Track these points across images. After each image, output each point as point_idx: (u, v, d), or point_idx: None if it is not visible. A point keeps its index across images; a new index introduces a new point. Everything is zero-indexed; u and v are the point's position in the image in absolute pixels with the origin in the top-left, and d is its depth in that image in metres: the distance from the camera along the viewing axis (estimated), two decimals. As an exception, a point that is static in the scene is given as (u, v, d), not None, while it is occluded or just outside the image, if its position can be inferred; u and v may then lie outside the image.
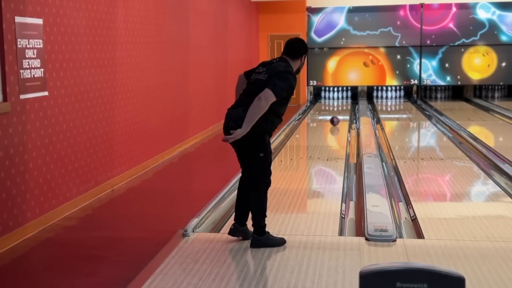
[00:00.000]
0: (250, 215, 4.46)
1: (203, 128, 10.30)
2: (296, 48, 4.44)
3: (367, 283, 2.16)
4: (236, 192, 4.61)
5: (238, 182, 4.57)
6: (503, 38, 15.51)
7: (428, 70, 15.83)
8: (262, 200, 4.36)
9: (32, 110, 4.99)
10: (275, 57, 4.74)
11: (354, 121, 12.24)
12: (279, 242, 4.39)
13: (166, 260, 4.10)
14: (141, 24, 7.47)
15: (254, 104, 4.09)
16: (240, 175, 4.57)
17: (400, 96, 16.61)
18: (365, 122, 11.56)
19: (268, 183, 4.38)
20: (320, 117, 13.11)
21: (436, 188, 6.47)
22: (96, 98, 6.17)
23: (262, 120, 4.16)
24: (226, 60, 11.82)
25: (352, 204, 5.89)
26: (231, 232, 4.47)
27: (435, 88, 16.60)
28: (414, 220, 5.16)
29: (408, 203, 5.71)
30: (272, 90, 4.10)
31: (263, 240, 4.35)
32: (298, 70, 4.44)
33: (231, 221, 4.99)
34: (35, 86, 5.03)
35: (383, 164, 7.62)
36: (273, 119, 4.27)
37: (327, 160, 8.05)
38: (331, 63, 15.97)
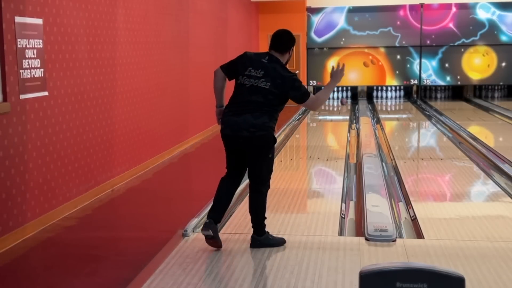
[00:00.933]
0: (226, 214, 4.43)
1: (203, 128, 10.30)
2: (284, 41, 4.33)
3: (367, 283, 2.16)
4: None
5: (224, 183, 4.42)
6: (503, 38, 15.51)
7: (428, 70, 15.84)
8: (265, 203, 4.38)
9: (32, 110, 4.99)
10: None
11: (354, 121, 12.24)
12: (279, 242, 4.39)
13: (166, 260, 4.10)
14: (141, 24, 7.47)
15: (311, 108, 4.42)
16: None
17: (400, 96, 16.61)
18: (365, 122, 11.56)
19: (269, 186, 4.40)
20: (320, 117, 13.11)
21: (436, 188, 6.47)
22: (96, 98, 6.17)
23: (273, 118, 4.21)
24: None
25: (352, 204, 5.90)
26: (205, 227, 4.18)
27: (435, 88, 16.61)
28: (414, 220, 5.16)
29: (408, 203, 5.71)
30: (307, 97, 4.23)
31: (263, 240, 4.35)
32: (286, 63, 4.36)
33: (231, 221, 5.01)
34: (35, 86, 5.02)
35: (383, 164, 7.63)
36: (277, 116, 4.31)
37: (327, 160, 8.06)
38: (331, 63, 15.97)
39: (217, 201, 4.33)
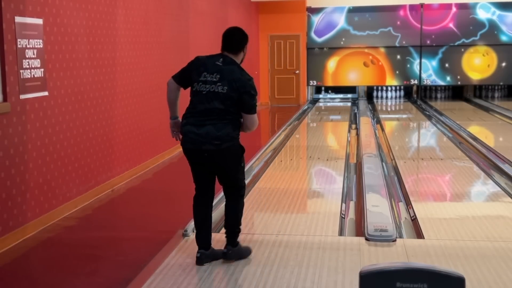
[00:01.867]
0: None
1: (203, 128, 10.29)
2: (236, 40, 4.04)
3: (367, 283, 2.16)
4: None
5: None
6: (503, 38, 15.51)
7: (428, 70, 15.84)
8: (243, 207, 4.17)
9: (32, 110, 4.99)
10: (217, 53, 4.14)
11: (355, 121, 12.24)
12: (247, 252, 4.19)
13: (166, 260, 4.10)
14: (141, 24, 7.47)
15: (247, 127, 3.98)
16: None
17: (400, 96, 16.62)
18: (365, 122, 11.56)
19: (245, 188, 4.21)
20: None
21: (436, 188, 6.47)
22: (96, 98, 6.17)
23: (236, 127, 3.94)
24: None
25: (352, 204, 5.89)
26: (199, 262, 4.02)
27: (435, 88, 16.61)
28: (414, 220, 5.16)
29: (408, 203, 5.71)
30: (254, 112, 3.95)
31: (236, 251, 4.11)
32: (241, 62, 4.08)
33: (231, 221, 4.99)
34: (35, 86, 5.03)
35: (383, 164, 7.62)
36: (239, 125, 4.00)
37: (327, 160, 8.05)
38: (331, 63, 15.97)
39: (200, 227, 4.09)
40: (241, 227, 4.13)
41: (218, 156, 3.89)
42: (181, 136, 4.03)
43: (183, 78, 4.05)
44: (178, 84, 4.07)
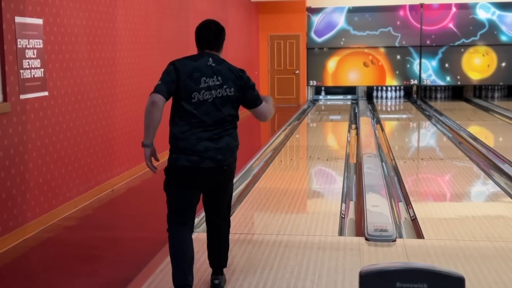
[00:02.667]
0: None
1: (203, 128, 10.29)
2: (217, 35, 3.57)
3: (367, 283, 2.16)
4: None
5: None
6: (503, 38, 15.51)
7: (428, 70, 15.84)
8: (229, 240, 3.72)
9: (32, 110, 4.99)
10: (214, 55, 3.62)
11: (354, 121, 12.25)
12: None
13: (166, 260, 4.10)
14: (141, 24, 7.47)
15: (267, 116, 3.59)
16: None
17: (400, 96, 16.63)
18: (365, 122, 11.56)
19: None
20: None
21: (436, 188, 6.47)
22: (96, 98, 6.17)
23: (236, 136, 3.54)
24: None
25: (352, 204, 5.89)
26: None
27: (435, 88, 16.61)
28: (414, 220, 5.16)
29: (408, 203, 5.71)
30: (261, 101, 3.55)
31: (224, 276, 3.70)
32: None
33: (231, 221, 4.99)
34: (35, 86, 5.03)
35: (383, 164, 7.62)
36: None
37: (327, 160, 8.05)
38: (331, 63, 15.97)
39: (182, 263, 3.45)
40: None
41: (232, 169, 3.48)
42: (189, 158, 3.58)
43: (171, 90, 3.44)
44: (166, 99, 3.46)
